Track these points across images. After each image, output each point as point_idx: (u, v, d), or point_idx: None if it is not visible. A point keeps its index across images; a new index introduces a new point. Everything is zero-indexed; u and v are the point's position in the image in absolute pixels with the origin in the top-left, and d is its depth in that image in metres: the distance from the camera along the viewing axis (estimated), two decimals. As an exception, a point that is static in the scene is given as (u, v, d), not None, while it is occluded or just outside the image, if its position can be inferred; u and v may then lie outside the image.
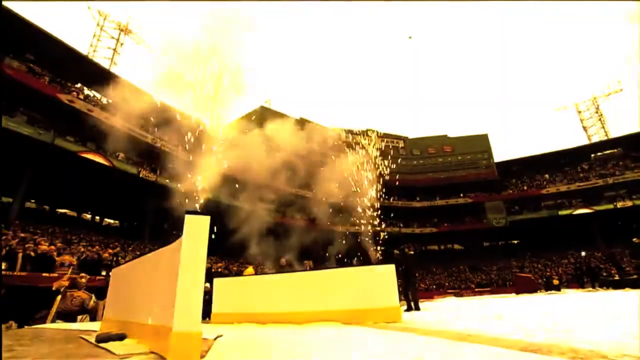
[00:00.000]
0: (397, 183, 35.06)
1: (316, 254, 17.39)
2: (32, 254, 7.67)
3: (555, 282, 19.15)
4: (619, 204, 27.32)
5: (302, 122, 32.35)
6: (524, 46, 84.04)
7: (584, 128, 37.80)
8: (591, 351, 1.58)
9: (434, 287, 27.77)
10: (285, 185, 20.35)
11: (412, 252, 8.79)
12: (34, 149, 13.99)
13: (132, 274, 3.52)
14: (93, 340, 2.91)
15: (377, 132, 38.36)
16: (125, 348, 2.43)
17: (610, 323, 2.64)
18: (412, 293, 7.46)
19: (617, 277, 14.78)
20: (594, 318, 3.24)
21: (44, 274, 7.26)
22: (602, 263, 23.24)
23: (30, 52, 16.25)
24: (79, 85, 19.11)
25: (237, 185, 16.81)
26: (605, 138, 35.20)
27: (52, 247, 9.36)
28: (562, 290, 17.26)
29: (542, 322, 2.96)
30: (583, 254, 26.40)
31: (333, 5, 70.08)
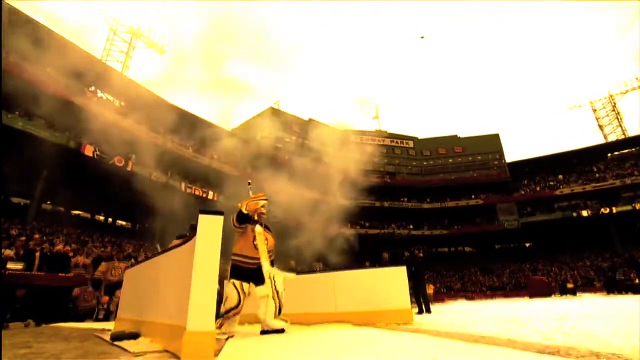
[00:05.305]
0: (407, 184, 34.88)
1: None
2: (49, 253, 7.87)
3: (570, 285, 18.70)
4: (638, 206, 26.51)
5: (311, 124, 32.45)
6: (536, 44, 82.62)
7: (600, 127, 36.88)
8: (613, 354, 1.53)
9: (445, 290, 27.42)
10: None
11: (422, 255, 8.72)
12: (50, 152, 14.36)
13: (146, 274, 3.57)
14: (108, 338, 2.96)
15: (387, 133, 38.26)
16: (139, 347, 2.46)
17: (631, 327, 2.56)
18: (422, 295, 7.39)
19: (637, 282, 14.32)
20: (613, 322, 3.14)
21: (60, 274, 7.43)
22: (621, 266, 22.61)
23: (47, 56, 16.70)
24: (93, 88, 19.57)
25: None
26: (623, 137, 34.24)
27: (68, 247, 9.58)
28: (578, 294, 16.84)
29: (559, 326, 2.88)
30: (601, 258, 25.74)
31: (345, 4, 70.16)
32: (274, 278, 3.40)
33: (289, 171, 21.24)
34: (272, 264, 3.54)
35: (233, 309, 3.25)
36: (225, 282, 3.47)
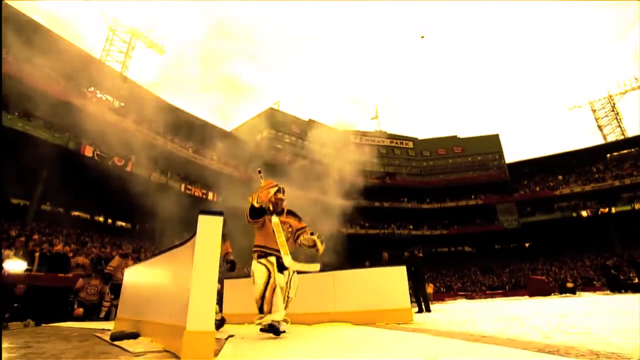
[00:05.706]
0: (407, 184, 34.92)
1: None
2: (48, 254, 7.86)
3: (570, 284, 18.71)
4: (637, 206, 26.57)
5: (311, 124, 32.47)
6: (536, 44, 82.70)
7: (599, 127, 36.94)
8: (613, 353, 1.53)
9: (444, 289, 27.44)
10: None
11: (421, 254, 8.74)
12: (49, 152, 14.35)
13: (145, 274, 3.57)
14: (107, 338, 2.96)
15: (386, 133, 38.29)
16: (139, 346, 2.46)
17: (631, 326, 2.56)
18: (422, 295, 7.41)
19: (636, 281, 14.32)
20: (613, 321, 3.15)
21: (59, 274, 7.42)
22: (621, 266, 22.66)
23: (46, 57, 16.69)
24: (92, 89, 19.54)
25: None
26: (622, 137, 34.29)
27: (67, 247, 9.58)
28: (577, 293, 16.86)
29: (559, 324, 2.88)
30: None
31: (345, 4, 70.22)
32: (290, 284, 3.19)
33: (288, 171, 21.24)
34: (313, 234, 3.33)
35: (266, 284, 2.98)
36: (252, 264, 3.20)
